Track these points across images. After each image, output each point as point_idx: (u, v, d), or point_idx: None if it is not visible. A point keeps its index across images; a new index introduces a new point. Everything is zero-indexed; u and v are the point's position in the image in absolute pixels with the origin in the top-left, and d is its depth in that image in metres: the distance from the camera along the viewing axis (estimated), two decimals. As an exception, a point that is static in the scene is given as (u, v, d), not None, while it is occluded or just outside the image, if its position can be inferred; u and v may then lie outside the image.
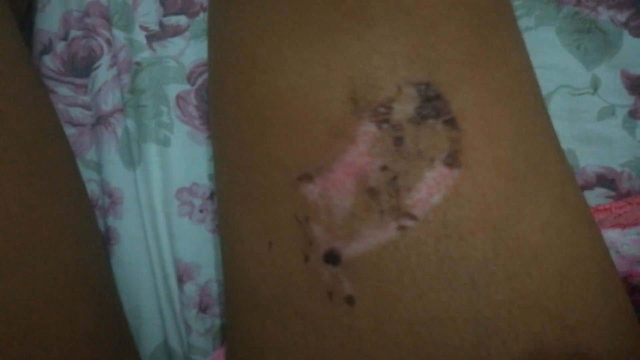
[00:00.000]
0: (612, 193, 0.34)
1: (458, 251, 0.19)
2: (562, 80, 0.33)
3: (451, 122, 0.19)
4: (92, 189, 0.35)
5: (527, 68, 0.21)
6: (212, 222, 0.34)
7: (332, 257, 0.20)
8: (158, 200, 0.34)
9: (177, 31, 0.34)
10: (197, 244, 0.34)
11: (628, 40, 0.34)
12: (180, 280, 0.34)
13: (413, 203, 0.19)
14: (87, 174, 0.35)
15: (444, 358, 0.19)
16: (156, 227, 0.34)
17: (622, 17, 0.34)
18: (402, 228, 0.19)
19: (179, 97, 0.34)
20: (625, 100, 0.34)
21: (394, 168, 0.19)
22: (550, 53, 0.33)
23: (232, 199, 0.23)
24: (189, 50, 0.34)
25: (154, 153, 0.34)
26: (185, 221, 0.34)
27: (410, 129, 0.19)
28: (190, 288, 0.34)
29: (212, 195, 0.34)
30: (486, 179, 0.19)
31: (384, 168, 0.19)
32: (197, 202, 0.34)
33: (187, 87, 0.34)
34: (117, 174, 0.34)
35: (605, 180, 0.34)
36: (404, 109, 0.19)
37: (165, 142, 0.34)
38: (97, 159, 0.35)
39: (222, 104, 0.23)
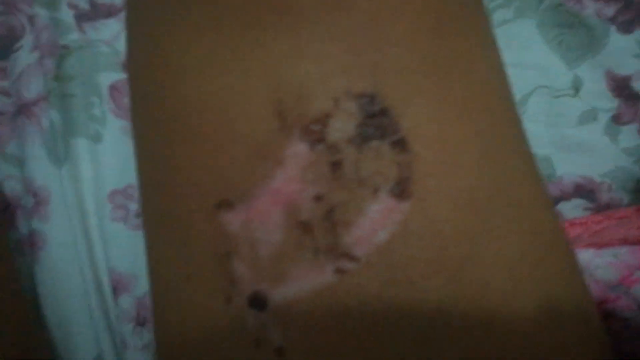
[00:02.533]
0: (591, 205, 0.31)
1: (406, 300, 0.15)
2: (540, 80, 0.30)
3: (400, 144, 0.15)
4: (13, 186, 0.31)
5: (497, 75, 0.18)
6: (150, 229, 0.30)
7: (257, 301, 0.16)
8: (90, 202, 0.30)
9: (110, 11, 0.30)
10: (133, 253, 0.30)
11: (615, 37, 0.31)
12: (116, 292, 0.30)
13: (353, 241, 0.15)
14: (6, 169, 0.31)
15: None
16: (88, 232, 0.30)
17: (609, 10, 0.31)
18: (340, 271, 0.15)
19: (112, 88, 0.30)
20: (608, 103, 0.31)
21: (330, 198, 0.15)
22: (529, 49, 0.30)
23: (147, 220, 0.20)
24: (125, 34, 0.30)
25: (84, 149, 0.30)
26: (120, 227, 0.30)
27: (350, 152, 0.15)
28: (126, 300, 0.30)
29: (149, 199, 0.30)
30: (442, 213, 0.16)
31: (318, 198, 0.15)
32: (133, 207, 0.30)
33: (123, 75, 0.30)
34: (42, 170, 0.30)
35: (584, 190, 0.31)
36: (342, 126, 0.15)
37: (96, 138, 0.30)
38: (19, 153, 0.31)
39: (132, 104, 0.20)
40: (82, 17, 0.30)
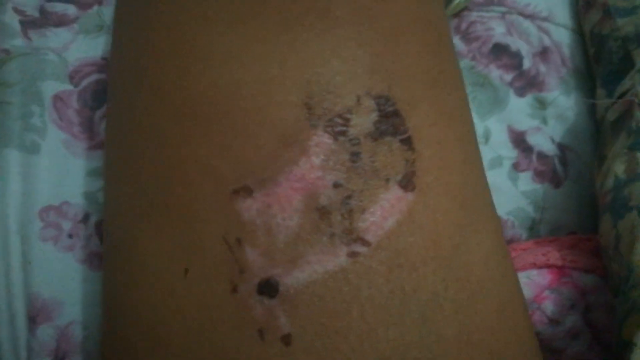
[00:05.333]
0: (498, 239, 0.36)
1: (409, 283, 0.17)
2: (459, 128, 0.35)
3: (407, 142, 0.17)
4: None
5: (466, 96, 0.21)
6: (83, 251, 0.28)
7: (268, 288, 0.17)
8: (13, 219, 0.27)
9: (62, 21, 0.29)
10: (61, 277, 0.28)
11: (513, 98, 0.37)
12: (34, 322, 0.27)
13: (367, 226, 0.17)
14: None
15: (390, 405, 0.17)
16: (7, 253, 0.27)
17: (508, 77, 0.38)
18: (353, 254, 0.17)
19: (57, 98, 0.29)
20: (510, 152, 0.36)
21: (348, 186, 0.17)
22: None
23: (133, 215, 0.19)
24: (76, 45, 0.29)
25: (15, 162, 0.28)
26: (49, 247, 0.28)
27: (368, 145, 0.17)
28: (45, 331, 0.27)
29: (85, 218, 0.28)
30: (438, 205, 0.18)
31: (337, 185, 0.17)
32: (67, 225, 0.28)
33: (69, 87, 0.29)
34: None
35: (492, 226, 0.35)
36: (362, 121, 0.17)
37: (32, 149, 0.28)
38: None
39: (134, 100, 0.19)
40: (29, 24, 0.29)
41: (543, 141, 0.37)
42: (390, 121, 0.17)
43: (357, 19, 0.17)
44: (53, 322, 0.27)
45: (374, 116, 0.17)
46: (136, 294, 0.19)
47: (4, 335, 0.27)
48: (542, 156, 0.37)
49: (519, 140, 0.37)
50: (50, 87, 0.28)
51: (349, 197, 0.17)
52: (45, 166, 0.28)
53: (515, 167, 0.36)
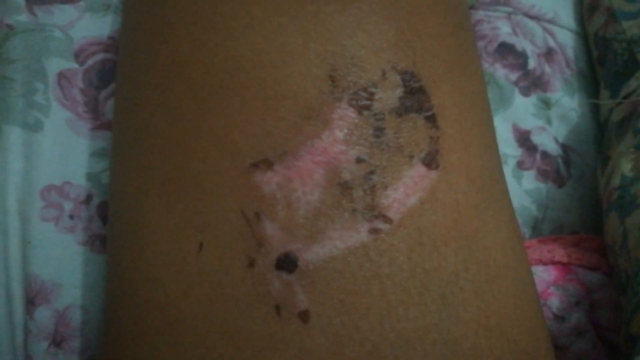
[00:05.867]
0: (500, 236, 0.36)
1: (430, 262, 0.17)
2: (465, 124, 0.35)
3: (432, 120, 0.17)
4: None
5: (484, 82, 0.21)
6: (85, 232, 0.27)
7: (287, 263, 0.16)
8: (13, 198, 0.26)
9: (69, -2, 0.28)
10: (60, 258, 0.27)
11: (518, 97, 0.37)
12: (32, 303, 0.26)
13: (389, 203, 0.16)
14: None
15: (408, 385, 0.16)
16: (6, 232, 0.26)
17: (513, 76, 0.38)
18: (374, 231, 0.16)
19: (61, 76, 0.28)
20: (515, 151, 0.36)
21: (371, 161, 0.16)
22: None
23: (143, 192, 0.19)
24: (82, 23, 0.28)
25: (17, 139, 0.27)
26: (50, 227, 0.27)
27: (392, 120, 0.17)
28: (43, 314, 0.26)
29: (88, 199, 0.28)
30: (460, 185, 0.18)
31: (360, 160, 0.16)
32: (68, 206, 0.27)
33: (74, 65, 0.28)
34: (-43, 159, 0.26)
35: (496, 223, 0.35)
36: (387, 96, 0.17)
37: (35, 127, 0.27)
38: None
39: (148, 75, 0.19)
40: (35, 0, 0.28)
41: (547, 141, 0.37)
42: (416, 97, 0.17)
43: None
44: (51, 304, 0.27)
45: (399, 92, 0.17)
46: (144, 273, 0.18)
47: (0, 317, 0.26)
48: (546, 155, 0.37)
49: (523, 139, 0.37)
50: (55, 65, 0.28)
51: (371, 172, 0.16)
52: (48, 145, 0.27)
53: (520, 165, 0.36)
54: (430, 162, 0.17)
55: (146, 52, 0.19)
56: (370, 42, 0.16)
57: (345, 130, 0.16)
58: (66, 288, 0.27)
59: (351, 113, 0.16)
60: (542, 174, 0.37)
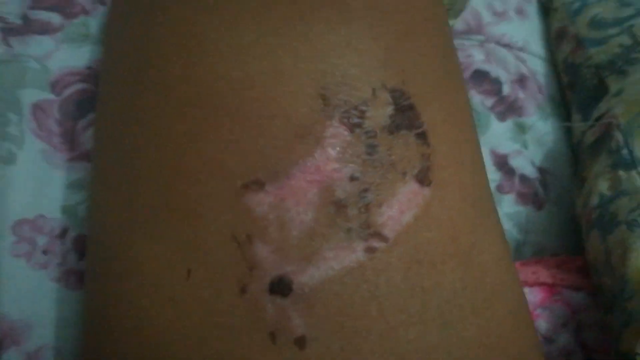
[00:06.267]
0: (484, 260, 0.36)
1: (429, 280, 0.16)
2: (445, 149, 0.35)
3: (422, 137, 0.17)
4: None
5: (469, 100, 0.21)
6: (59, 268, 0.26)
7: (280, 286, 0.16)
8: (-18, 234, 0.25)
9: (46, 29, 0.28)
10: (32, 297, 0.25)
11: (495, 122, 0.38)
12: (0, 346, 0.25)
13: (384, 221, 0.16)
14: None
15: (410, 411, 0.15)
16: (-26, 270, 0.25)
17: (488, 102, 0.39)
18: (370, 250, 0.16)
19: (36, 107, 0.27)
20: (493, 175, 0.37)
21: (365, 179, 0.16)
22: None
23: (129, 220, 0.18)
24: (59, 54, 0.28)
25: (-12, 172, 0.26)
26: (21, 264, 0.25)
27: (384, 138, 0.16)
28: (12, 357, 0.25)
29: (63, 233, 0.26)
30: (454, 201, 0.17)
31: (353, 178, 0.16)
32: (42, 241, 0.26)
33: (50, 96, 0.27)
34: None
35: (479, 247, 0.35)
36: (379, 114, 0.17)
37: (7, 160, 0.26)
38: None
39: (133, 99, 0.18)
40: (10, 31, 0.27)
41: (524, 164, 0.38)
42: (406, 115, 0.17)
43: (371, 13, 0.17)
44: (21, 346, 0.25)
45: (390, 109, 0.17)
46: (130, 304, 0.18)
47: (-36, 363, 0.24)
48: (524, 179, 0.37)
49: (501, 163, 0.37)
50: (30, 96, 0.27)
51: (365, 190, 0.16)
52: (21, 177, 0.26)
53: (499, 189, 0.37)
54: (423, 178, 0.17)
55: (133, 77, 0.19)
56: (360, 61, 0.16)
57: (338, 148, 0.16)
58: (37, 328, 0.25)
59: (343, 131, 0.16)
60: (521, 197, 0.37)
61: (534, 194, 0.37)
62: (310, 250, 0.16)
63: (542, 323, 0.29)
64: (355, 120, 0.16)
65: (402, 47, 0.17)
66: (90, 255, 0.21)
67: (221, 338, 0.16)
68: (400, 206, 0.16)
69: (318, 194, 0.16)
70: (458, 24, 0.41)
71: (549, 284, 0.30)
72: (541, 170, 0.38)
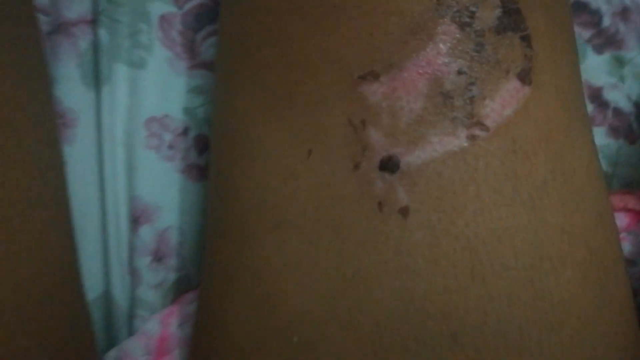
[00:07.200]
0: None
1: (522, 168, 0.18)
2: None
3: (527, 39, 0.18)
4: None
5: (571, 10, 0.22)
6: (182, 162, 0.30)
7: (389, 164, 0.18)
8: (120, 128, 0.29)
9: (172, -54, 0.31)
10: (161, 183, 0.30)
11: (591, 55, 0.37)
12: (137, 222, 0.29)
13: (487, 112, 0.18)
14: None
15: (497, 278, 0.18)
16: (114, 159, 0.29)
17: (586, 34, 0.38)
18: (472, 137, 0.18)
19: (162, 18, 0.30)
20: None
21: (471, 73, 0.18)
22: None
23: (255, 108, 0.21)
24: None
25: (124, 75, 0.30)
26: (152, 155, 0.30)
27: (491, 37, 0.18)
28: (146, 232, 0.29)
29: (185, 131, 0.30)
30: (550, 102, 0.19)
31: (461, 72, 0.18)
32: (167, 137, 0.30)
33: (174, 9, 0.31)
34: (73, 92, 0.29)
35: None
36: (487, 15, 0.18)
37: (139, 64, 0.30)
38: (51, 72, 0.29)
39: (257, 5, 0.21)
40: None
41: (620, 98, 0.37)
42: (513, 18, 0.18)
43: None
44: (153, 224, 0.29)
45: (498, 12, 0.18)
46: (254, 180, 0.21)
47: (110, 235, 0.29)
48: (618, 112, 0.37)
49: (595, 95, 0.37)
50: (157, 8, 0.30)
51: (471, 84, 0.18)
52: (150, 81, 0.30)
53: (591, 121, 0.37)
54: (524, 78, 0.18)
55: None
56: None
57: (449, 44, 0.18)
58: (165, 211, 0.30)
59: (454, 29, 0.18)
60: (614, 130, 0.37)
61: (627, 128, 0.37)
62: (417, 135, 0.18)
63: (626, 245, 0.30)
64: (466, 19, 0.18)
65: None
66: (215, 147, 0.25)
67: (335, 206, 0.19)
68: (502, 101, 0.18)
69: (428, 85, 0.18)
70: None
71: (636, 210, 0.31)
72: (637, 105, 0.37)
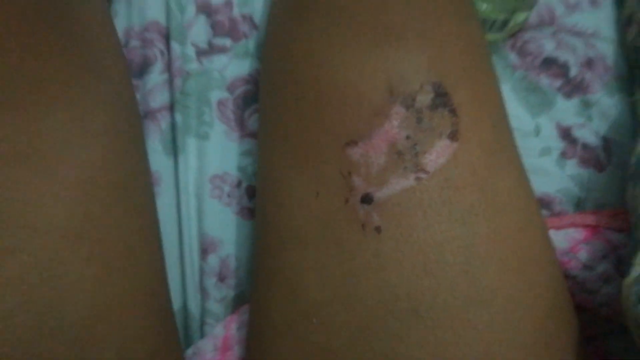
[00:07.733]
0: (548, 213, 0.44)
1: (454, 197, 0.27)
2: (514, 124, 0.44)
3: (453, 112, 0.28)
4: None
5: (497, 86, 0.31)
6: (237, 206, 0.41)
7: (367, 199, 0.28)
8: (192, 185, 0.41)
9: (222, 50, 0.43)
10: (222, 222, 0.40)
11: (561, 100, 0.45)
12: (205, 252, 0.40)
13: (426, 162, 0.27)
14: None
15: (442, 271, 0.27)
16: (188, 206, 0.40)
17: (556, 83, 0.46)
18: (418, 179, 0.27)
19: (219, 102, 0.42)
20: (558, 143, 0.44)
21: (415, 138, 0.27)
22: (506, 104, 0.44)
23: (284, 164, 0.31)
24: (231, 66, 0.42)
25: (194, 145, 0.41)
26: (216, 202, 0.40)
27: (427, 113, 0.28)
28: (213, 259, 0.40)
29: (239, 184, 0.41)
30: (474, 151, 0.28)
31: (408, 137, 0.28)
32: (227, 188, 0.41)
33: (227, 95, 0.42)
34: (157, 160, 0.41)
35: (544, 202, 0.44)
36: (424, 99, 0.28)
37: (204, 137, 0.41)
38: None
39: (283, 93, 0.32)
40: (201, 53, 0.42)
41: (588, 135, 0.44)
42: (442, 98, 0.28)
43: (419, 39, 0.28)
44: (217, 253, 0.40)
45: (432, 96, 0.28)
46: (283, 214, 0.31)
47: (186, 262, 0.40)
48: (586, 147, 0.44)
49: (565, 134, 0.45)
50: (215, 95, 0.42)
51: (416, 144, 0.27)
52: (213, 147, 0.41)
53: (563, 155, 0.44)
54: (453, 136, 0.28)
55: (281, 82, 0.32)
56: (412, 68, 0.28)
57: (399, 120, 0.28)
58: (226, 243, 0.40)
59: (402, 109, 0.28)
60: (584, 162, 0.44)
61: (596, 159, 0.44)
62: (383, 179, 0.27)
63: (584, 254, 0.36)
64: (410, 102, 0.28)
65: (440, 57, 0.28)
66: (258, 194, 0.35)
67: (335, 228, 0.28)
68: (437, 154, 0.27)
69: (387, 147, 0.28)
70: (532, 17, 0.48)
71: (593, 225, 0.38)
72: (605, 139, 0.44)
